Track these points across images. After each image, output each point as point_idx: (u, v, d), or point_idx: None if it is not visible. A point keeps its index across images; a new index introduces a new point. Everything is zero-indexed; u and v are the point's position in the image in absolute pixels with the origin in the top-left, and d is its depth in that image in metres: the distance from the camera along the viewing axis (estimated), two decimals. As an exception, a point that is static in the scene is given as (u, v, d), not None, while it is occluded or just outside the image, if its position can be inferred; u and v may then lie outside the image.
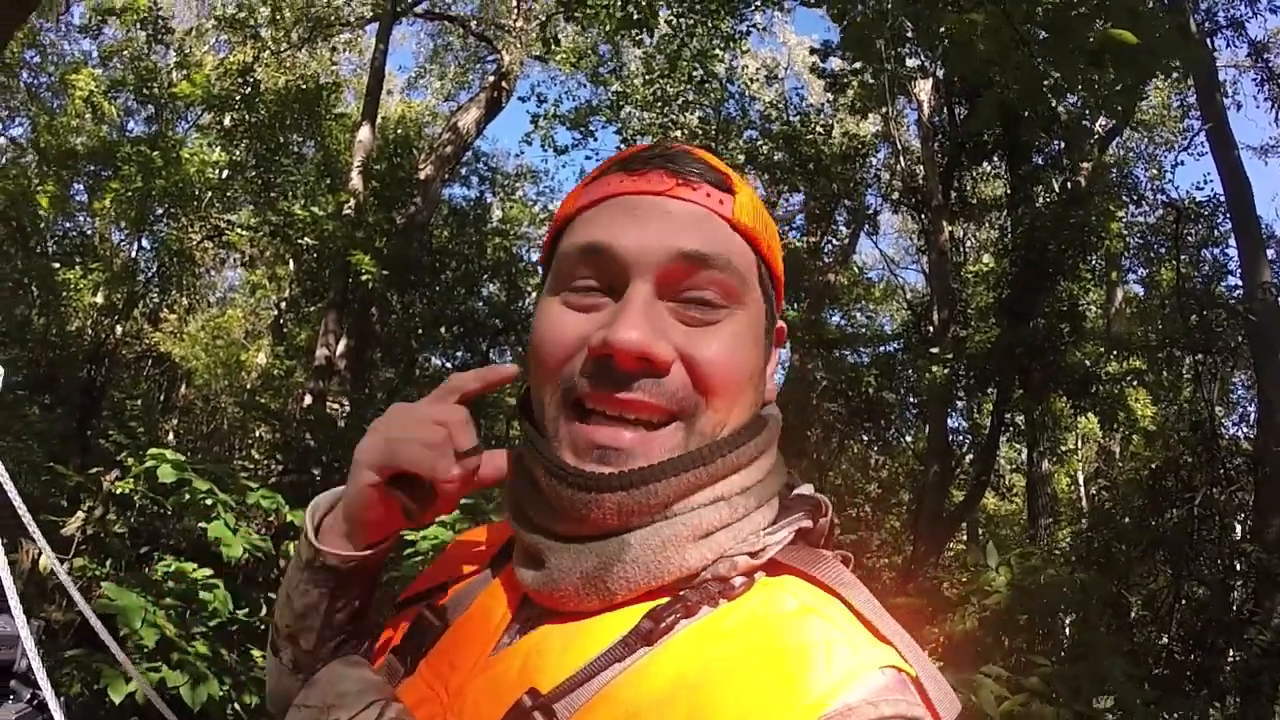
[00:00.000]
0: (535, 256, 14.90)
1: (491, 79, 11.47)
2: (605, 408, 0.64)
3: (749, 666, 0.56)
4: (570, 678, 0.59)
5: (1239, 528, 7.95)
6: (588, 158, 15.55)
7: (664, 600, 0.62)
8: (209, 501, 4.12)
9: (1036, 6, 3.84)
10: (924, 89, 12.03)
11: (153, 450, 4.17)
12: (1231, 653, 6.15)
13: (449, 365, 10.88)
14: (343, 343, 8.31)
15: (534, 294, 13.59)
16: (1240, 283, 8.40)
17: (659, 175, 0.68)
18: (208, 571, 4.08)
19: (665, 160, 0.68)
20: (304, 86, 11.22)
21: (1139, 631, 6.88)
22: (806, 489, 0.74)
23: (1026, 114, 10.85)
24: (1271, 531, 6.82)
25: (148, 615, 3.28)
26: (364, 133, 9.41)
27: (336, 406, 7.73)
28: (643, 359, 0.62)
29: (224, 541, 3.99)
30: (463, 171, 13.73)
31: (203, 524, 4.19)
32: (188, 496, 4.10)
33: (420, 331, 9.64)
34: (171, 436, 11.24)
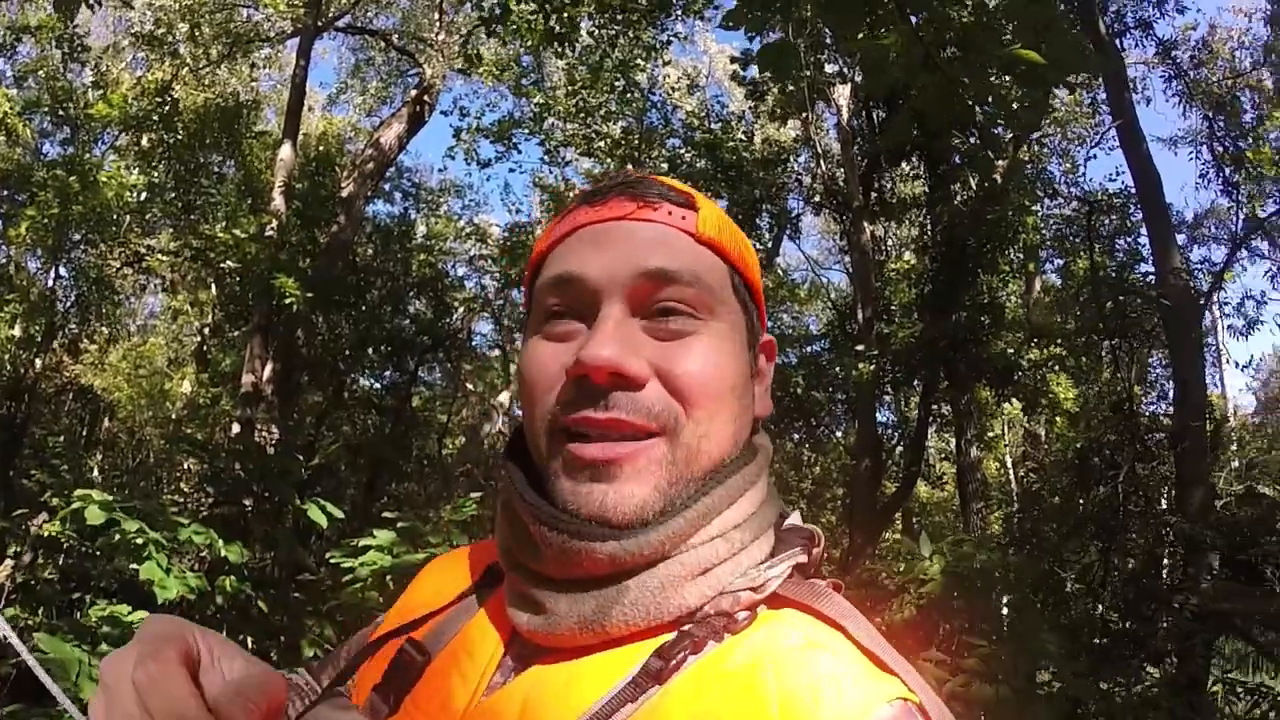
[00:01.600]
0: (461, 271, 14.94)
1: (414, 93, 11.36)
2: (588, 430, 0.64)
3: (760, 706, 0.55)
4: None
5: (1163, 500, 8.25)
6: (511, 170, 15.60)
7: (668, 636, 0.61)
8: (139, 541, 4.01)
9: (946, 29, 3.96)
10: (843, 94, 12.27)
11: (79, 491, 4.05)
12: (1165, 619, 6.36)
13: (378, 385, 10.76)
14: (269, 367, 8.13)
15: (461, 309, 13.54)
16: (1153, 269, 8.74)
17: (619, 201, 0.69)
18: (143, 614, 3.97)
19: (625, 187, 0.70)
20: (223, 104, 10.98)
21: (1075, 605, 7.10)
22: (795, 518, 0.73)
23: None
24: (1194, 502, 7.09)
25: (84, 667, 3.18)
26: (285, 150, 9.22)
27: (266, 434, 7.58)
28: (615, 374, 0.62)
29: (158, 583, 3.89)
30: (386, 188, 13.58)
31: (134, 565, 4.08)
32: (117, 537, 3.99)
33: (347, 353, 9.48)
34: (96, 473, 10.89)
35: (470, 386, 12.63)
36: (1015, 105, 4.07)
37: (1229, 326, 13.02)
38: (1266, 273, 10.85)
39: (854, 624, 0.62)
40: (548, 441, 0.66)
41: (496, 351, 16.50)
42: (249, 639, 4.87)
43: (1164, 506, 8.13)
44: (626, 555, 0.62)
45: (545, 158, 13.09)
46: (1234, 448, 12.84)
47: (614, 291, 0.66)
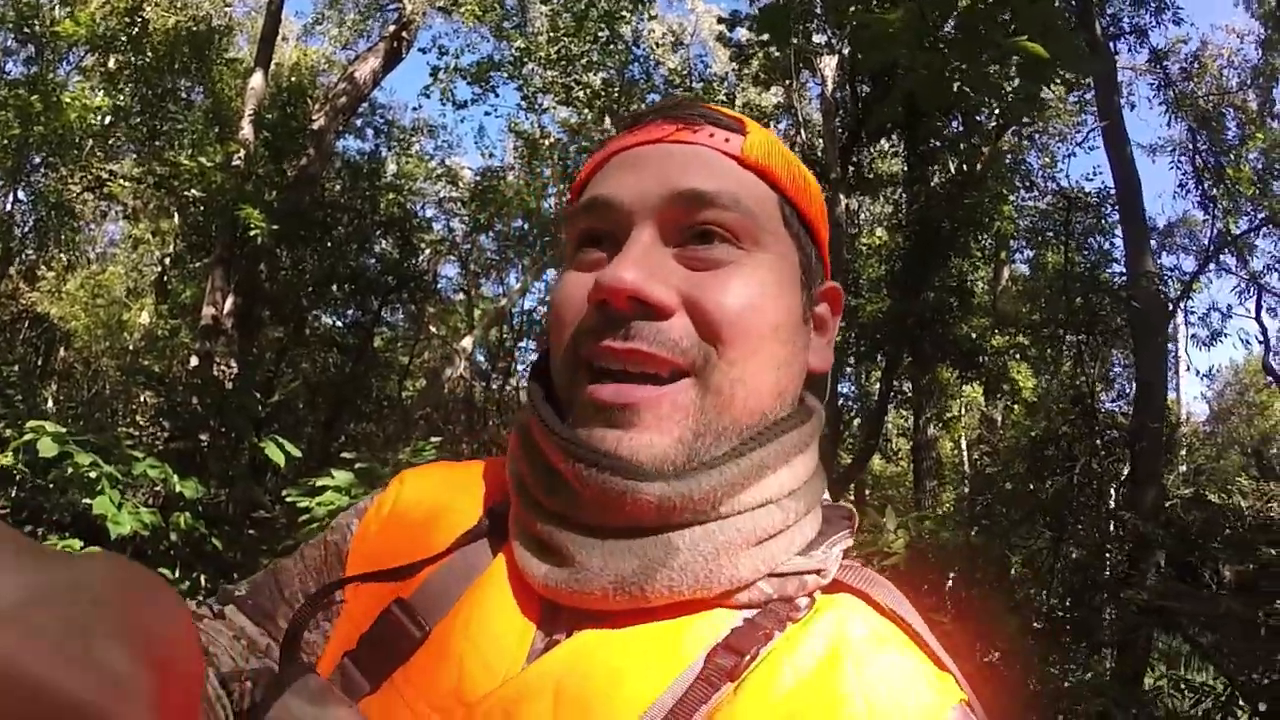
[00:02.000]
0: (429, 212, 14.73)
1: (392, 28, 11.05)
2: (606, 361, 0.58)
3: (846, 705, 0.52)
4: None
5: (1114, 496, 8.42)
6: (487, 113, 15.39)
7: (711, 614, 0.56)
8: (93, 475, 3.90)
9: (950, 11, 3.92)
10: (829, 65, 12.18)
11: (32, 422, 3.91)
12: (1110, 610, 6.50)
13: (339, 324, 10.58)
14: (230, 300, 7.93)
15: (427, 251, 13.34)
16: (1124, 270, 8.86)
17: (658, 125, 0.64)
18: (95, 549, 3.88)
19: (667, 110, 0.65)
20: (195, 28, 10.59)
21: (1019, 590, 7.25)
22: (826, 497, 0.67)
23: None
24: (1146, 501, 7.21)
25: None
26: (256, 79, 8.90)
27: (224, 369, 7.41)
28: (636, 299, 0.57)
29: (111, 518, 3.79)
30: (358, 123, 13.28)
31: (87, 499, 3.97)
32: (70, 470, 3.88)
33: (310, 289, 9.28)
34: (50, 404, 10.61)
35: (434, 329, 12.48)
36: (1010, 95, 4.06)
37: (1193, 336, 13.27)
38: (1234, 288, 11.04)
39: (909, 615, 0.59)
40: (568, 377, 0.61)
41: (461, 296, 16.39)
42: (202, 576, 4.81)
43: (1116, 502, 8.28)
44: (677, 499, 0.55)
45: (522, 103, 12.83)
46: (1184, 452, 13.11)
47: (645, 215, 0.60)
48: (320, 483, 4.56)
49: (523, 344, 17.60)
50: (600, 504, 0.57)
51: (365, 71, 10.38)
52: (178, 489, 4.72)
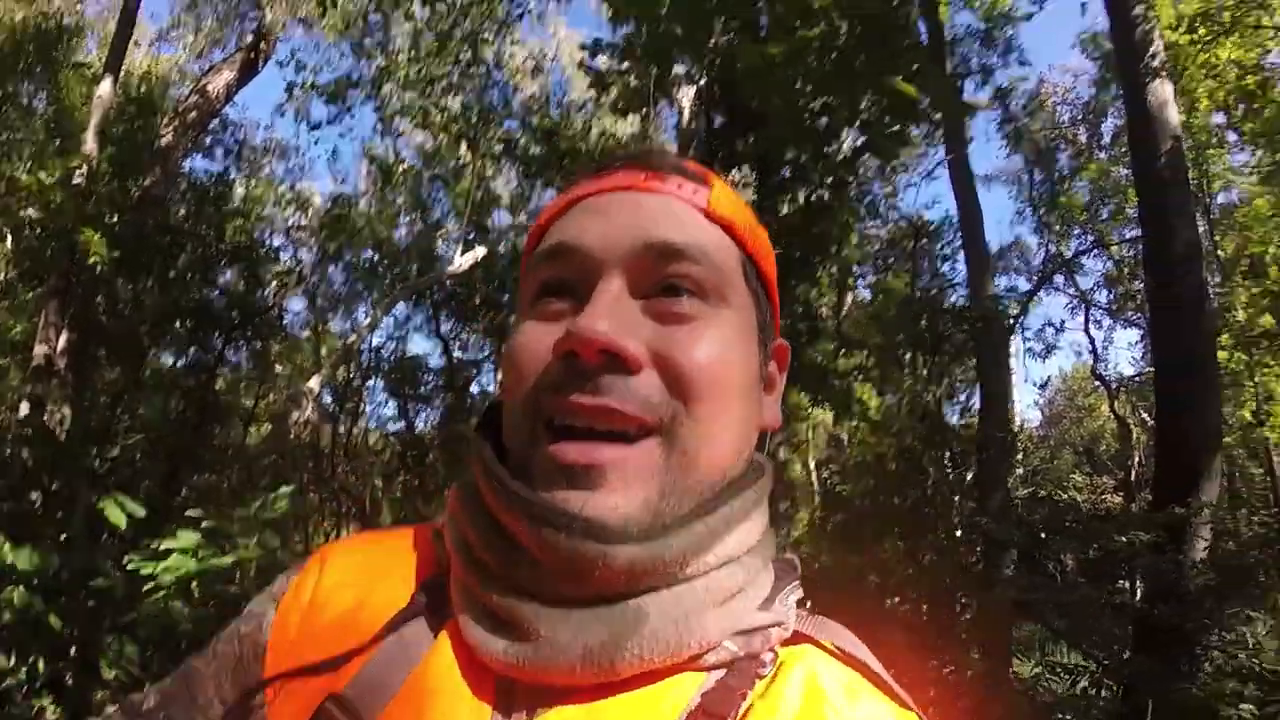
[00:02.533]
0: (278, 241, 14.01)
1: (250, 38, 10.44)
2: (572, 417, 0.55)
3: None
4: None
5: (962, 503, 8.96)
6: (342, 135, 14.77)
7: (680, 678, 0.55)
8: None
9: (833, 47, 3.99)
10: (687, 95, 12.37)
11: None
12: (971, 608, 6.79)
13: (180, 363, 9.78)
14: (64, 337, 7.16)
15: (273, 283, 12.62)
16: (967, 292, 9.46)
17: (626, 172, 0.62)
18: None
19: (635, 158, 0.64)
20: (44, 25, 9.59)
21: (879, 601, 7.50)
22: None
23: (780, 130, 11.56)
24: (994, 503, 7.67)
25: None
26: (105, 87, 8.06)
27: (58, 415, 6.67)
28: (608, 352, 0.54)
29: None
30: (207, 141, 12.44)
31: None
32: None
33: (150, 324, 8.54)
34: None
35: (279, 369, 11.76)
36: (881, 131, 4.17)
37: (1028, 349, 14.33)
38: (1067, 305, 12.08)
39: (865, 656, 0.60)
40: (526, 434, 0.58)
41: (307, 332, 15.64)
42: (40, 661, 4.28)
43: (966, 507, 8.80)
44: (648, 562, 0.54)
45: (379, 125, 12.46)
46: (1020, 456, 14.11)
47: (613, 264, 0.58)
48: (165, 545, 4.21)
49: (370, 383, 17.03)
50: (567, 571, 0.54)
51: (219, 84, 9.76)
52: (8, 558, 4.19)
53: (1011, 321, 9.53)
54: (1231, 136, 13.08)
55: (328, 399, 14.49)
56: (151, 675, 4.33)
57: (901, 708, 0.57)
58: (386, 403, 17.61)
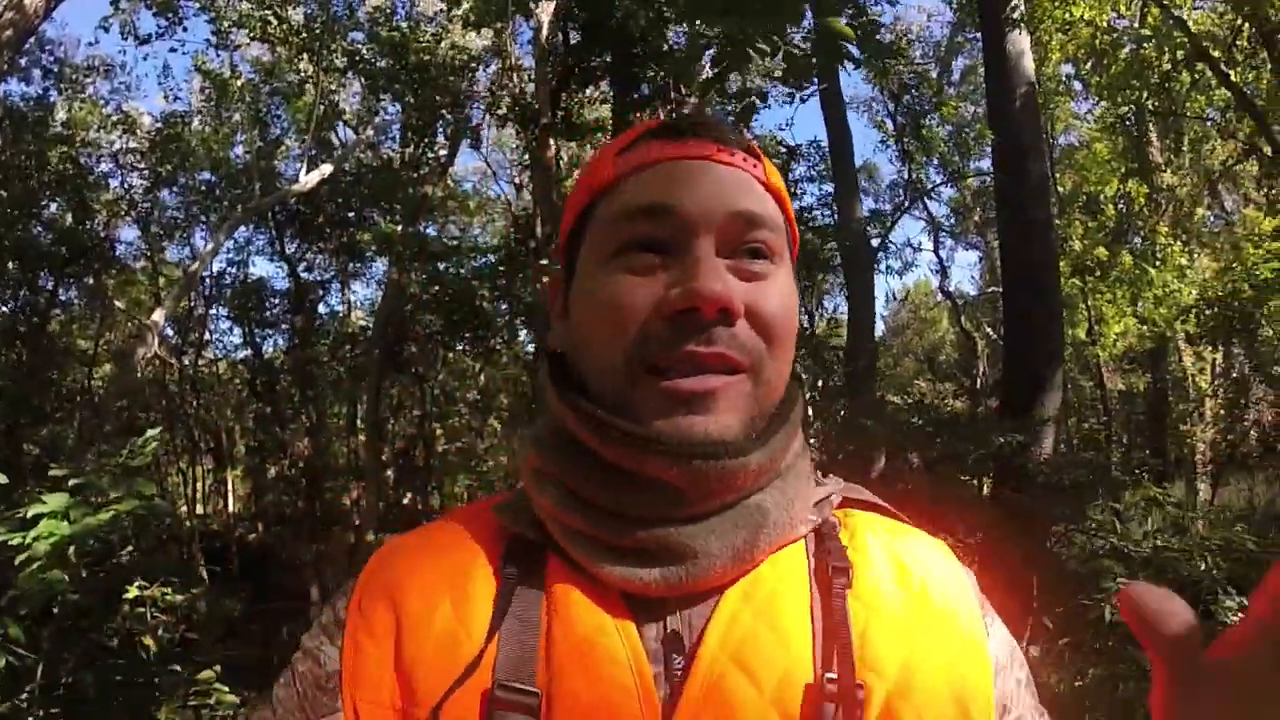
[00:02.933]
0: (105, 168, 12.90)
1: (69, -54, 9.31)
2: (687, 363, 0.63)
3: (908, 574, 0.67)
4: (819, 643, 0.62)
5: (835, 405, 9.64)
6: (173, 50, 13.44)
7: (788, 550, 0.67)
8: None
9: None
10: (546, 10, 12.00)
11: None
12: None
13: (4, 309, 8.91)
14: None
15: (103, 213, 11.65)
16: (836, 213, 9.95)
17: (699, 143, 0.69)
18: None
19: (703, 128, 0.70)
20: None
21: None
22: None
23: (640, 48, 11.45)
24: (865, 403, 8.27)
25: None
26: None
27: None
28: (724, 309, 0.62)
29: None
30: (23, 62, 11.12)
31: None
32: None
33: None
34: None
35: (118, 304, 10.93)
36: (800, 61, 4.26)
37: (887, 267, 15.12)
38: (923, 229, 12.81)
39: (889, 506, 0.75)
40: (628, 376, 0.64)
41: (143, 263, 14.52)
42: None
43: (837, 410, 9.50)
44: (766, 462, 0.65)
45: (213, 38, 11.46)
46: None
47: (707, 228, 0.65)
48: (32, 511, 3.86)
49: (213, 311, 16.18)
50: (708, 490, 0.63)
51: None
52: None
53: (876, 242, 10.11)
54: (1077, 86, 14.01)
55: (170, 332, 13.68)
56: (45, 655, 4.09)
57: (928, 535, 0.73)
58: (231, 330, 16.86)
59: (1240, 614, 3.10)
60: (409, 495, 20.00)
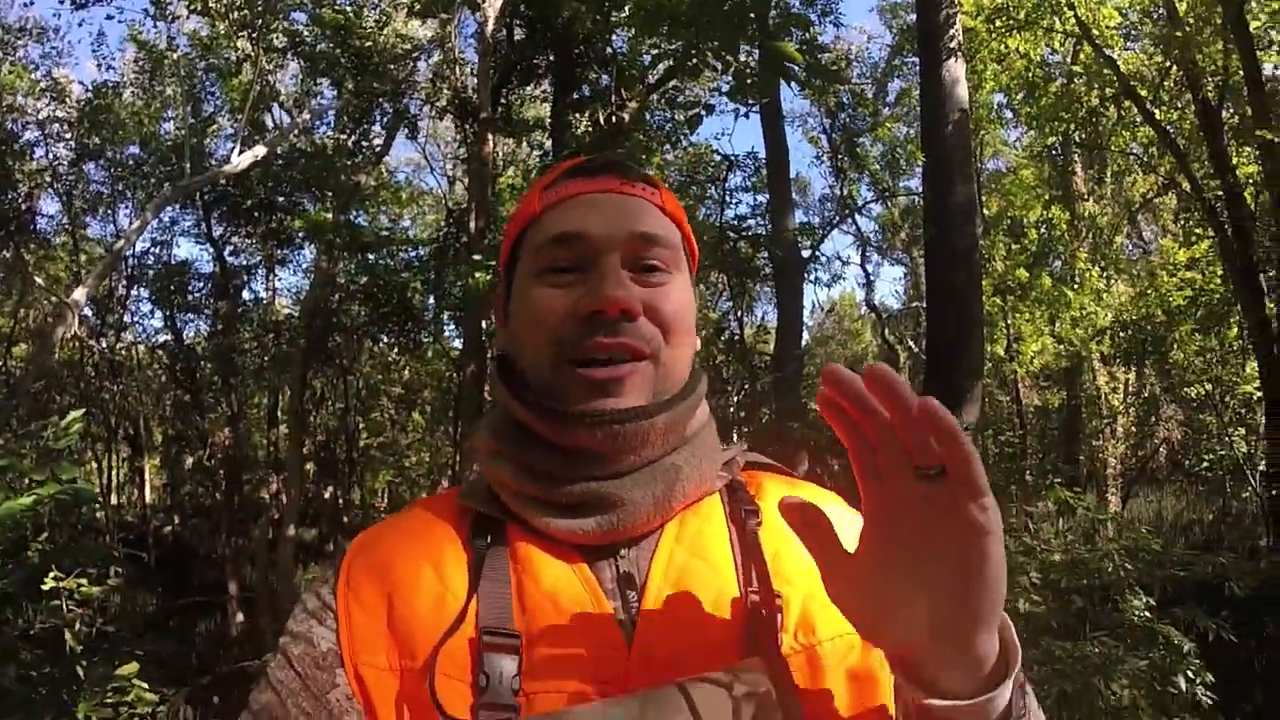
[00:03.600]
0: (31, 136, 12.29)
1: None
2: (599, 353, 0.77)
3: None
4: (740, 564, 0.77)
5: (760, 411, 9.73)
6: (109, 17, 12.91)
7: (705, 502, 0.82)
8: None
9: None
10: (493, 4, 11.90)
11: None
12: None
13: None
14: None
15: (26, 184, 11.12)
16: (769, 224, 10.15)
17: (607, 178, 0.84)
18: None
19: (612, 167, 0.86)
20: None
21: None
22: None
23: (583, 50, 11.47)
24: (791, 408, 8.54)
25: None
26: None
27: None
28: (625, 309, 0.77)
29: None
30: None
31: None
32: None
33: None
34: None
35: (38, 280, 10.48)
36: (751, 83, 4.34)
37: (815, 278, 15.40)
38: (852, 243, 13.09)
39: (782, 467, 0.91)
40: (553, 368, 0.79)
41: (64, 238, 13.91)
42: None
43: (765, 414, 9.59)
44: (670, 423, 0.79)
45: (151, 8, 11.07)
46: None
47: (611, 247, 0.80)
48: None
49: (134, 292, 15.57)
50: (626, 448, 0.77)
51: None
52: None
53: (808, 253, 10.32)
54: (1008, 114, 14.50)
55: (89, 313, 13.18)
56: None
57: (821, 489, 0.88)
58: (153, 313, 16.27)
59: (1147, 613, 3.30)
60: (330, 489, 19.60)
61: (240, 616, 13.98)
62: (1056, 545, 4.48)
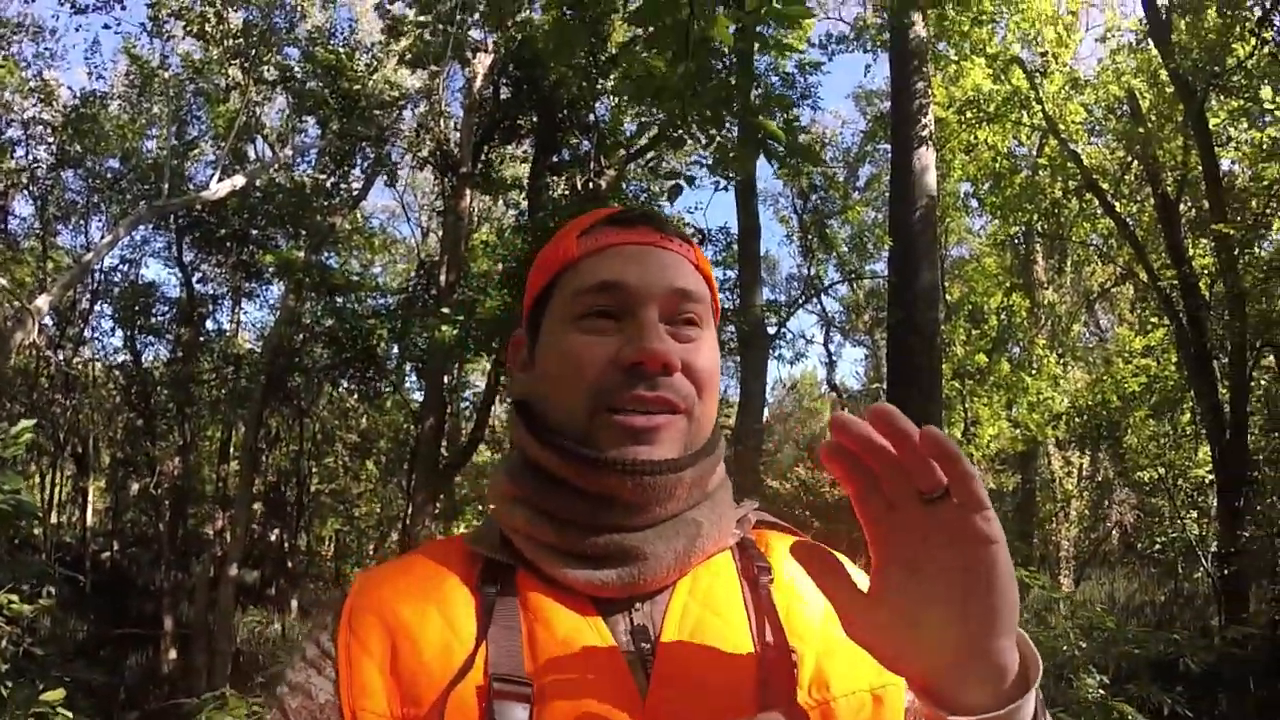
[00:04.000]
0: (13, 134, 12.27)
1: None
2: (635, 405, 0.76)
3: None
4: (754, 625, 0.76)
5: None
6: (106, 26, 12.96)
7: (717, 558, 0.82)
8: None
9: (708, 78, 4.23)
10: (483, 62, 12.14)
11: None
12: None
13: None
14: None
15: (6, 182, 10.95)
16: (737, 299, 10.28)
17: (646, 230, 0.84)
18: None
19: (650, 219, 0.85)
20: None
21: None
22: None
23: (566, 115, 11.72)
24: (747, 486, 8.52)
25: None
26: None
27: None
28: (666, 364, 0.77)
29: None
30: None
31: None
32: None
33: None
34: None
35: (2, 282, 10.30)
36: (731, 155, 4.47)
37: (779, 355, 15.67)
38: (816, 323, 13.35)
39: (783, 523, 0.91)
40: (589, 414, 0.77)
41: (33, 242, 13.75)
42: None
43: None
44: (696, 479, 0.79)
45: (149, 23, 11.14)
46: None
47: (651, 300, 0.80)
48: None
49: (97, 308, 15.37)
50: (654, 499, 0.76)
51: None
52: None
53: (773, 330, 10.48)
54: (973, 203, 14.99)
55: (49, 321, 12.95)
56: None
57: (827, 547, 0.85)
58: (113, 331, 16.02)
59: (1101, 690, 3.35)
60: (277, 532, 19.19)
61: (174, 653, 13.61)
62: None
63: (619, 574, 0.75)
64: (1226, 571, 8.32)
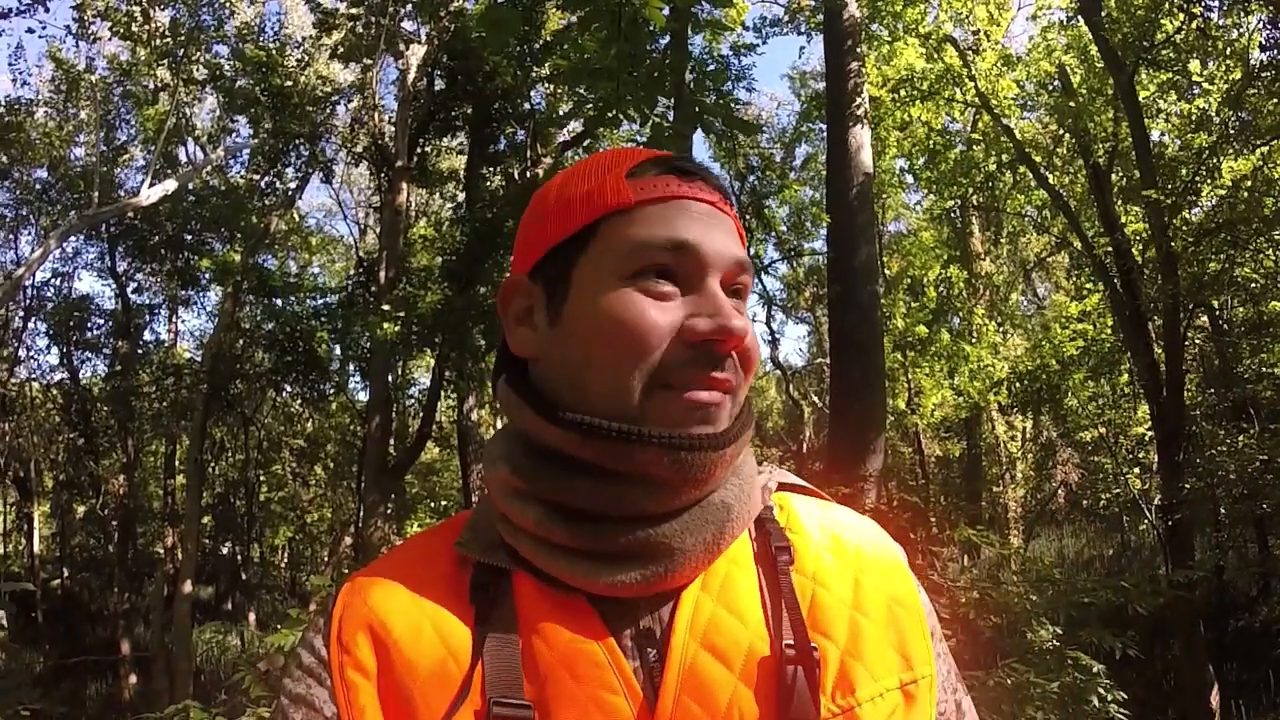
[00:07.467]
0: None
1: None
2: (701, 385, 0.69)
3: (844, 545, 0.77)
4: (772, 618, 0.70)
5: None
6: (30, 30, 12.62)
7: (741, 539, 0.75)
8: None
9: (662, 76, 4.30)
10: (416, 54, 12.05)
11: None
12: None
13: None
14: None
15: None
16: None
17: (707, 188, 0.75)
18: None
19: (708, 175, 0.77)
20: None
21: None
22: None
23: (501, 105, 11.70)
24: None
25: None
26: None
27: None
28: (738, 345, 0.71)
29: None
30: None
31: None
32: None
33: None
34: None
35: (-71, 303, 10.02)
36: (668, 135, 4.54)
37: None
38: (757, 302, 13.48)
39: (807, 484, 0.86)
40: (644, 388, 0.68)
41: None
42: None
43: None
44: (732, 455, 0.71)
45: (74, 25, 10.83)
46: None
47: (717, 269, 0.71)
48: None
49: (31, 325, 14.90)
50: (691, 479, 0.68)
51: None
52: None
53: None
54: (909, 179, 15.29)
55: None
56: None
57: (854, 511, 0.84)
58: (49, 349, 15.73)
59: (1055, 641, 3.47)
60: (229, 545, 18.88)
61: (134, 678, 13.36)
62: (963, 583, 4.67)
63: (643, 574, 0.68)
64: (1170, 523, 8.57)
